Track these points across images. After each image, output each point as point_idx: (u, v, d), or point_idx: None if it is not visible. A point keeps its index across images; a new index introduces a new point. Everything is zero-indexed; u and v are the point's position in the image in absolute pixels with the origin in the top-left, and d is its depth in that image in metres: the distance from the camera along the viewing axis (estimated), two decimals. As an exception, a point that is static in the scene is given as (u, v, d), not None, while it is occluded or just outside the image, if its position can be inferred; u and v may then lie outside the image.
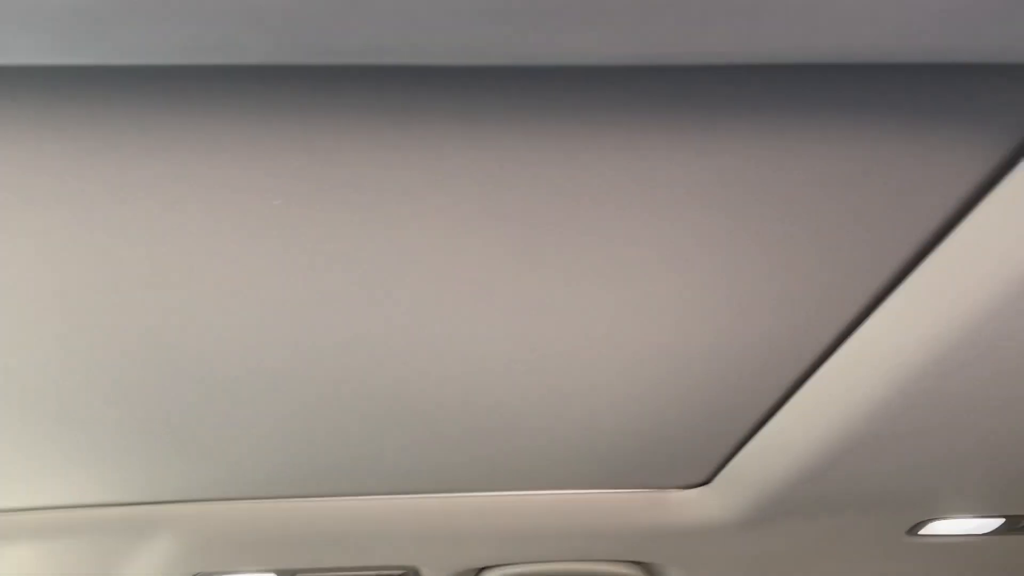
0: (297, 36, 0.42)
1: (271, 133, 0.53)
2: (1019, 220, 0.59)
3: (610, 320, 0.78)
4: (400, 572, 1.43)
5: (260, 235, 0.63)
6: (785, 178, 0.59)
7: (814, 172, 0.59)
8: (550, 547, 1.39)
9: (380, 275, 0.69)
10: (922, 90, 0.53)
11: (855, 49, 0.45)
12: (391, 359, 0.85)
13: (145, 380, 0.86)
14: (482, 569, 1.46)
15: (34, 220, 0.59)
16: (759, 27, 0.43)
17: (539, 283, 0.71)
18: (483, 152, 0.56)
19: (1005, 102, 0.54)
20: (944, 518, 1.25)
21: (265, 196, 0.58)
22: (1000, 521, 1.28)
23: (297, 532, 1.31)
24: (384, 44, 0.42)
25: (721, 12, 0.41)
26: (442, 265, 0.68)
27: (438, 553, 1.40)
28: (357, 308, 0.74)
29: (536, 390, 0.93)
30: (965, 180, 0.59)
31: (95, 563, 1.37)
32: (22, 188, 0.56)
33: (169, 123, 0.52)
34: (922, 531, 1.30)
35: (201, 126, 0.52)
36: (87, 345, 0.77)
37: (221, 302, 0.72)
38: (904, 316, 0.73)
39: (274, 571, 1.41)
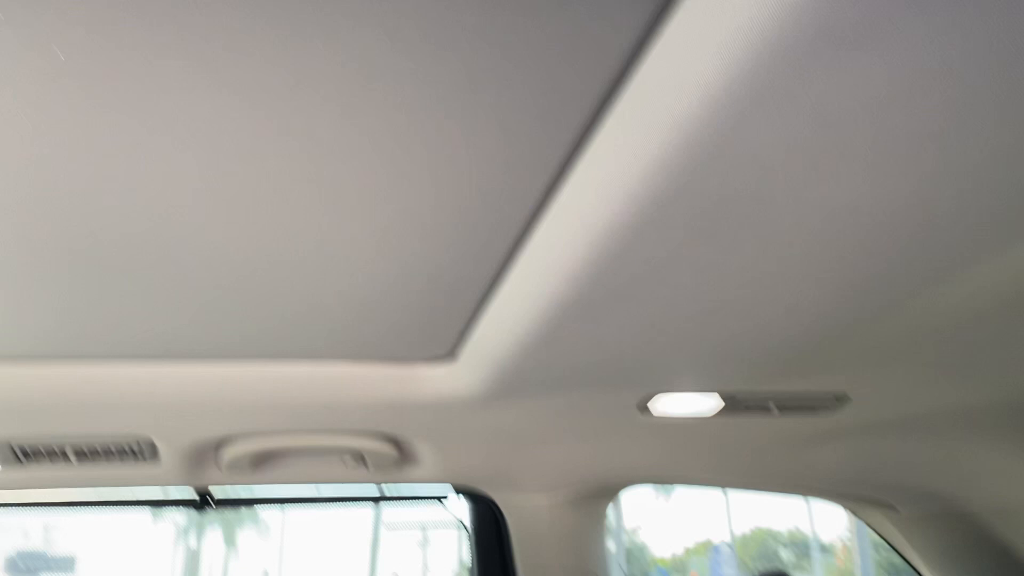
0: None
1: None
2: (681, 73, 0.60)
3: (334, 184, 0.77)
4: (131, 443, 1.37)
5: None
6: (467, 37, 0.58)
7: (488, 35, 0.58)
8: (293, 418, 1.37)
9: (100, 121, 0.66)
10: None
11: None
12: (111, 210, 0.79)
13: None
14: (222, 440, 1.42)
15: None
16: None
17: (265, 145, 0.70)
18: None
19: None
20: (669, 392, 1.33)
21: None
22: (719, 400, 1.38)
23: (12, 399, 1.21)
24: None
25: None
26: (164, 114, 0.65)
27: (173, 423, 1.34)
28: (77, 155, 0.69)
29: (269, 253, 0.90)
30: (628, 32, 0.60)
31: None
32: None
33: None
34: (651, 405, 1.38)
35: None
36: None
37: None
38: (591, 177, 0.74)
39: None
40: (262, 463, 1.51)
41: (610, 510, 1.88)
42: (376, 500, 1.85)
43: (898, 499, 1.87)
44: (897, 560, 2.06)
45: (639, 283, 0.91)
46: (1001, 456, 1.57)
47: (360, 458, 1.51)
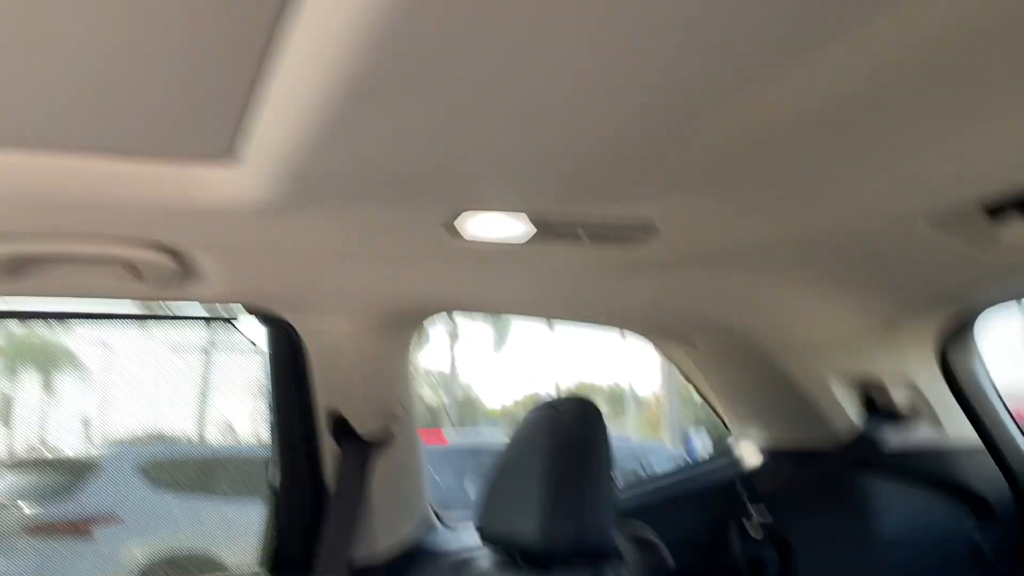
0: None
1: None
2: None
3: None
4: None
5: None
6: None
7: None
8: (50, 219, 1.20)
9: None
10: None
11: None
12: None
13: None
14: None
15: None
16: None
17: None
18: None
19: None
20: (475, 210, 1.26)
21: None
22: (531, 225, 1.32)
23: None
24: None
25: None
26: None
27: None
28: None
29: (15, 24, 0.77)
30: None
31: None
32: None
33: None
34: (459, 226, 1.31)
35: None
36: None
37: None
38: None
39: None
40: (19, 271, 1.32)
41: (444, 362, 1.84)
42: (155, 319, 1.71)
43: (697, 334, 1.94)
44: (702, 414, 2.18)
45: (427, 63, 0.80)
46: (791, 293, 1.63)
47: (135, 271, 1.35)
